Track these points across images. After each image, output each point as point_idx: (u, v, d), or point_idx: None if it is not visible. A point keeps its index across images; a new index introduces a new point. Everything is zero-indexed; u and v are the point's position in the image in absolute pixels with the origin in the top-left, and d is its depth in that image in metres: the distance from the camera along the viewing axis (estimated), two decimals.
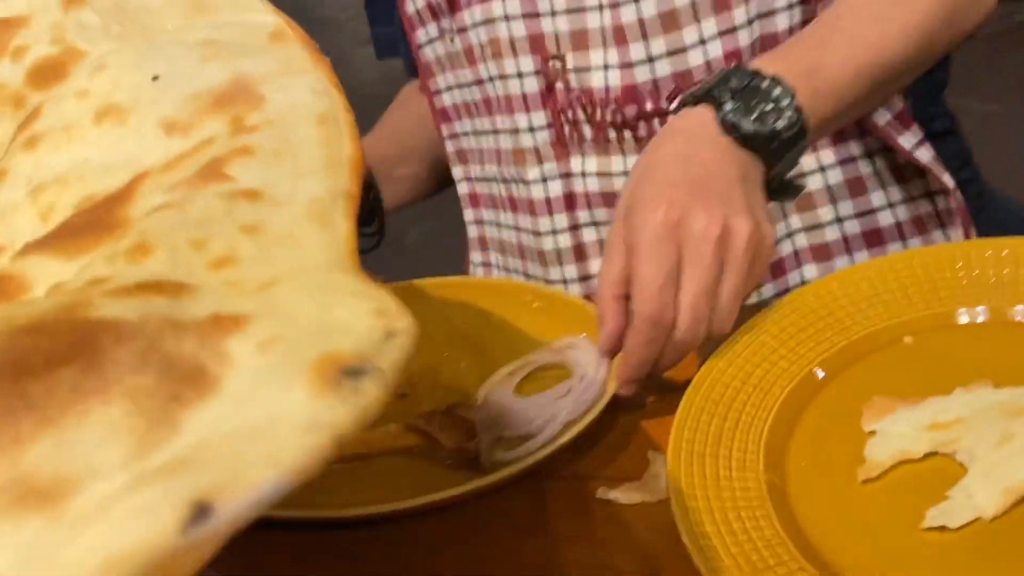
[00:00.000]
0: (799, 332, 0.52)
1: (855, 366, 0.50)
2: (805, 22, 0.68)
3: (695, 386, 0.50)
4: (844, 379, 0.50)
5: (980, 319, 0.51)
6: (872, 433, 0.46)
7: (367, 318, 0.18)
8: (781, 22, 0.67)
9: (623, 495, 0.49)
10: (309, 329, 0.18)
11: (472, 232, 0.87)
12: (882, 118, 0.69)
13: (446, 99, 0.82)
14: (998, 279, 0.52)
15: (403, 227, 2.55)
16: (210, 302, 0.20)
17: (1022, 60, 2.37)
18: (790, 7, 0.67)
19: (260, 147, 0.28)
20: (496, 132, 0.77)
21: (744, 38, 0.67)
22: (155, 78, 0.33)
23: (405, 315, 0.18)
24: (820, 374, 0.50)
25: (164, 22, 0.38)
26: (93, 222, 0.28)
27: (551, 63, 0.71)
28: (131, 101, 0.33)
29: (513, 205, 0.79)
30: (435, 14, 0.78)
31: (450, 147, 0.84)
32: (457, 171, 0.85)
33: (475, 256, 0.88)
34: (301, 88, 0.31)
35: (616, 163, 0.71)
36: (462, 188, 0.86)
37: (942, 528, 0.40)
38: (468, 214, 0.87)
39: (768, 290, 0.73)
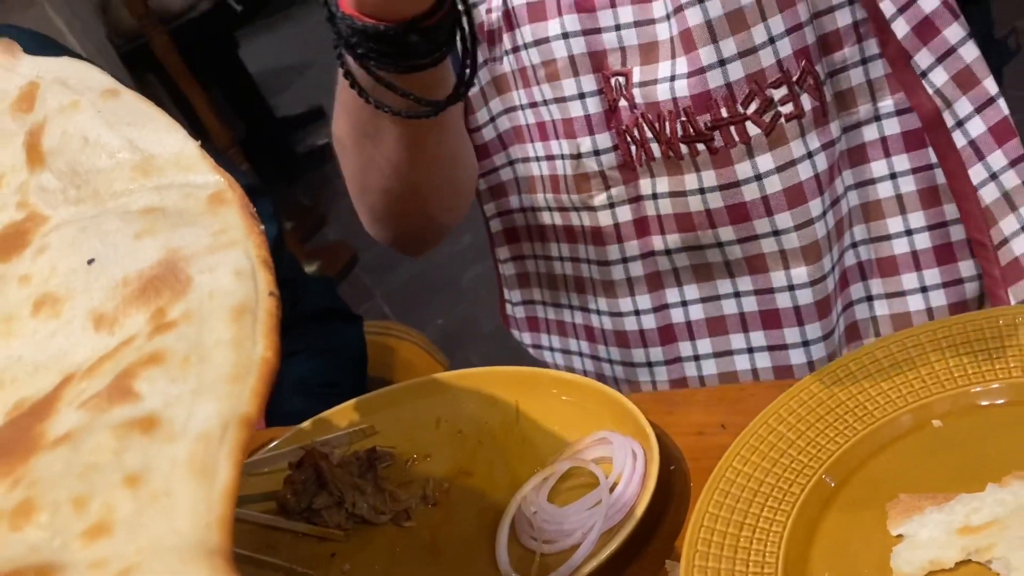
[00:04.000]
0: (818, 421, 0.49)
1: (879, 457, 0.47)
2: (863, 20, 0.64)
3: (709, 488, 0.47)
4: (868, 473, 0.46)
5: (1017, 398, 0.47)
6: (899, 538, 0.43)
7: None
8: (841, 19, 0.64)
9: None
10: None
11: (508, 270, 0.83)
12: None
13: (487, 133, 0.76)
14: None
15: (459, 269, 2.57)
16: None
17: None
18: (849, 3, 0.64)
19: (172, 352, 0.27)
20: (551, 158, 0.72)
21: (810, 35, 0.64)
22: (90, 261, 0.33)
23: None
24: (840, 471, 0.47)
25: (112, 184, 0.38)
26: (12, 441, 0.27)
27: (613, 80, 0.67)
28: (65, 289, 0.32)
29: (571, 235, 0.75)
30: (491, 39, 0.72)
31: (483, 184, 0.78)
32: (489, 207, 0.80)
33: (513, 295, 0.84)
34: (226, 269, 0.30)
35: (689, 180, 0.67)
36: (494, 225, 0.81)
37: None
38: (502, 252, 0.82)
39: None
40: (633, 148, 0.67)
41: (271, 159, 3.65)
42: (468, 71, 0.57)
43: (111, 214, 0.36)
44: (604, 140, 0.68)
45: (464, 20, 0.56)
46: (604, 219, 0.71)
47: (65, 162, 0.40)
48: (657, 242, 0.70)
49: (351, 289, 2.76)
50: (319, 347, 1.11)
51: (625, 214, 0.70)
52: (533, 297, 0.82)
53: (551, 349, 0.84)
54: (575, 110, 0.68)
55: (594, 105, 0.68)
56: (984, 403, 0.47)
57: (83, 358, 0.30)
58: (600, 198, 0.70)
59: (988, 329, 0.49)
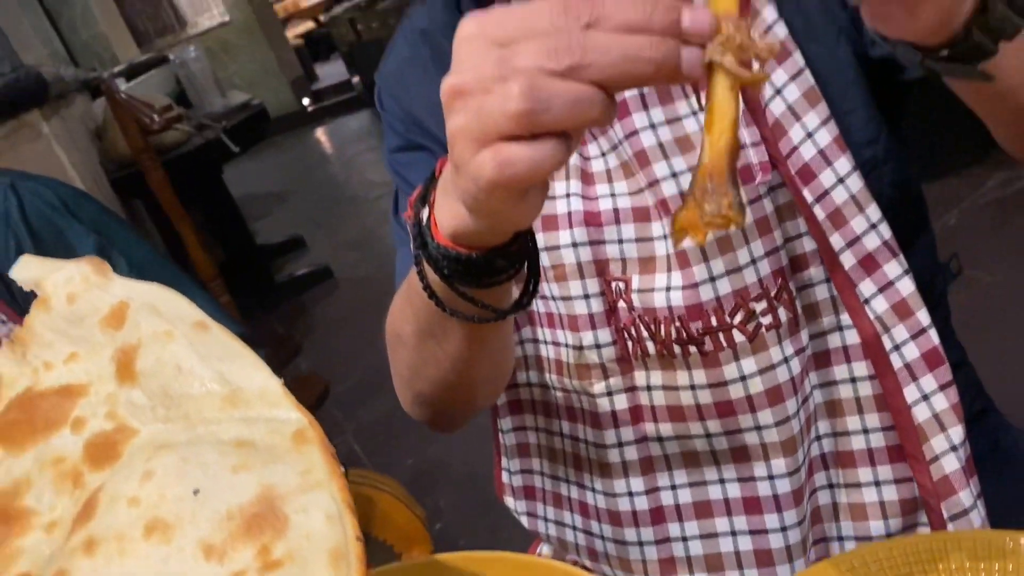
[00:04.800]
0: None
1: None
2: (814, 251, 0.73)
3: None
4: None
5: None
6: None
7: None
8: (808, 245, 0.73)
9: None
10: None
11: (509, 440, 0.88)
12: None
13: None
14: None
15: None
16: None
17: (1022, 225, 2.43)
18: (807, 234, 0.73)
19: None
20: (556, 345, 0.79)
21: (783, 257, 0.73)
22: (196, 492, 0.39)
23: None
24: None
25: (203, 411, 0.45)
26: None
27: (614, 284, 0.75)
28: (175, 516, 0.38)
29: (572, 415, 0.81)
30: None
31: None
32: None
33: (512, 464, 0.89)
34: (318, 511, 0.37)
35: (681, 377, 0.74)
36: (500, 397, 0.86)
37: None
38: (505, 422, 0.87)
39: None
40: (630, 344, 0.75)
41: (249, 286, 3.72)
42: (533, 282, 0.63)
43: (206, 443, 0.42)
44: (604, 336, 0.76)
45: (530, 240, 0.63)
46: (602, 405, 0.78)
47: (158, 385, 0.47)
48: (650, 429, 0.77)
49: (322, 423, 2.77)
50: None
51: (622, 402, 0.77)
52: (531, 467, 0.88)
53: (545, 519, 0.89)
54: (579, 308, 0.76)
55: (596, 305, 0.76)
56: None
57: None
58: (599, 386, 0.77)
59: (937, 551, 0.56)
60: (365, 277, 3.95)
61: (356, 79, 7.22)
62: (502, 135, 0.45)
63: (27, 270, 0.56)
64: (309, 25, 9.64)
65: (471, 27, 0.47)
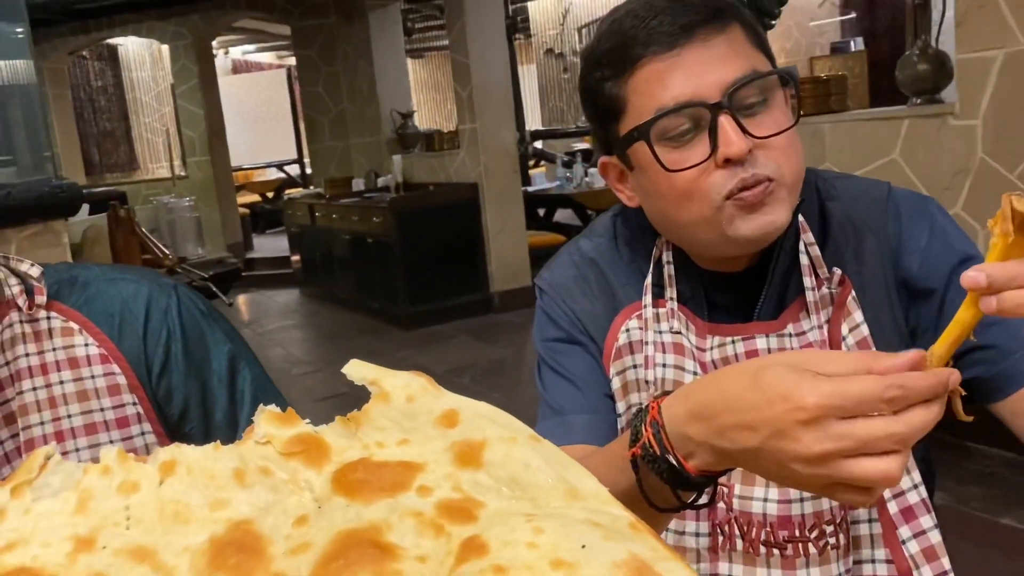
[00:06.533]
0: None
1: None
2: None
3: None
4: None
5: None
6: None
7: None
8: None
9: None
10: None
11: None
12: None
13: None
14: None
15: None
16: None
17: None
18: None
19: None
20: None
21: None
22: (583, 546, 0.56)
23: None
24: None
25: (550, 499, 0.62)
26: None
27: (718, 487, 0.91)
28: (573, 558, 0.55)
29: None
30: None
31: None
32: None
33: None
34: (680, 572, 0.55)
35: (760, 573, 0.94)
36: None
37: None
38: None
39: None
40: (721, 539, 0.96)
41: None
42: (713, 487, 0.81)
43: (566, 518, 0.60)
44: (703, 527, 0.97)
45: None
46: None
47: (506, 473, 0.64)
48: None
49: None
50: None
51: None
52: None
53: None
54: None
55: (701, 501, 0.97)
56: None
57: None
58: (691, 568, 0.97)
59: None
60: None
61: (296, 258, 7.46)
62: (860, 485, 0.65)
63: (360, 370, 0.73)
64: (255, 198, 9.97)
65: (816, 410, 0.64)
